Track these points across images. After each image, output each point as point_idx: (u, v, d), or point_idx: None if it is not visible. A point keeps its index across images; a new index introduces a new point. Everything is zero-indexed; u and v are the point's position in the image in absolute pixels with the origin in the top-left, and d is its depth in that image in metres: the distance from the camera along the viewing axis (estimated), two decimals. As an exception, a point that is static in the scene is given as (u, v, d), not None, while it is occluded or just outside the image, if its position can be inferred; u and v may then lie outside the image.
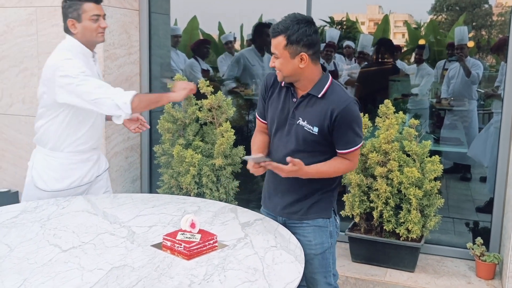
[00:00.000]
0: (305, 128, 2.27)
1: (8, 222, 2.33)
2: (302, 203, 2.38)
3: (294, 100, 2.32)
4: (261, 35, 5.02)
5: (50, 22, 3.89)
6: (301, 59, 2.20)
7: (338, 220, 2.49)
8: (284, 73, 2.25)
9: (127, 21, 4.10)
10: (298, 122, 2.29)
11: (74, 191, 2.84)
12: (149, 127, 3.09)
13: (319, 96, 2.26)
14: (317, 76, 2.28)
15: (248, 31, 5.32)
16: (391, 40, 5.18)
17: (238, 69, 5.11)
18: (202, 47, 5.40)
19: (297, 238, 2.37)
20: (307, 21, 2.20)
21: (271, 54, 2.25)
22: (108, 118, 3.02)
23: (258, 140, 2.49)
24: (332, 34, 5.21)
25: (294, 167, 2.17)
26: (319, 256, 2.40)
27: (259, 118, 2.53)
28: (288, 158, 2.17)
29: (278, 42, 2.19)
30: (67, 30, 2.72)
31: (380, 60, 5.22)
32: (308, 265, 2.40)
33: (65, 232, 2.22)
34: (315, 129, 2.25)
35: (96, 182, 2.97)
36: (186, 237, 2.04)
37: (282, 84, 2.37)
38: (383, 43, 5.13)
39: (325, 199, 2.40)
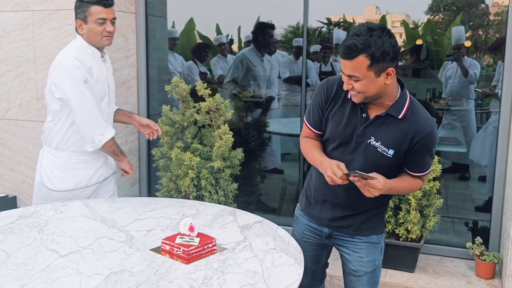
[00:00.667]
0: (378, 149, 2.05)
1: (5, 228, 2.31)
2: (354, 219, 2.22)
3: (364, 115, 2.07)
4: (262, 35, 5.00)
5: (47, 26, 3.88)
6: (387, 74, 1.93)
7: (384, 234, 2.34)
8: (368, 94, 1.97)
9: (124, 24, 4.09)
10: (369, 141, 2.06)
11: (81, 192, 2.84)
12: (161, 132, 3.11)
13: (399, 117, 2.03)
14: (396, 91, 2.04)
15: (245, 33, 5.32)
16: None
17: (242, 70, 5.09)
18: (201, 51, 5.40)
19: (345, 253, 2.30)
20: (385, 30, 1.91)
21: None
22: (117, 120, 3.05)
23: (316, 145, 2.23)
24: (340, 35, 5.20)
25: (381, 181, 1.95)
26: (370, 274, 2.26)
27: (311, 127, 2.24)
28: (374, 174, 1.96)
29: (359, 64, 1.89)
30: (76, 30, 2.76)
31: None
32: (356, 280, 2.28)
33: (63, 237, 2.21)
34: (390, 152, 2.03)
35: (104, 184, 2.97)
36: (185, 241, 2.03)
37: (348, 96, 2.10)
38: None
39: (379, 214, 2.25)
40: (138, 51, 4.27)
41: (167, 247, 2.03)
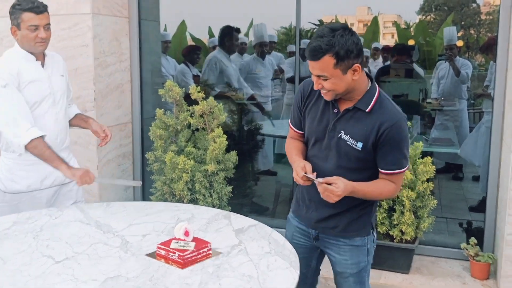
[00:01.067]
0: (348, 142, 2.10)
1: (1, 233, 2.31)
2: (339, 219, 2.23)
3: (335, 111, 2.14)
4: (229, 37, 5.05)
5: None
6: (353, 70, 2.01)
7: (375, 234, 2.34)
8: (338, 91, 2.05)
9: (117, 29, 4.09)
10: (339, 135, 2.12)
11: (36, 194, 2.82)
12: (109, 138, 2.94)
13: (367, 110, 2.09)
14: (365, 85, 2.11)
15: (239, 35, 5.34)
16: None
17: (216, 71, 5.11)
18: (192, 53, 5.41)
19: (331, 255, 2.33)
20: (347, 29, 1.99)
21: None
22: (74, 124, 3.03)
23: (296, 146, 2.31)
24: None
25: (340, 187, 1.98)
26: (355, 275, 2.30)
27: (293, 127, 2.34)
28: (335, 178, 2.01)
29: (325, 63, 1.97)
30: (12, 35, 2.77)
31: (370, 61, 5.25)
32: (343, 282, 2.33)
33: (58, 242, 2.21)
34: (359, 145, 2.08)
35: (65, 189, 2.94)
36: (180, 246, 2.03)
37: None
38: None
39: (364, 216, 2.25)
40: (132, 55, 4.27)
41: (163, 252, 2.03)
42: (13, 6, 2.71)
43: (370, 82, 2.14)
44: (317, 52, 1.97)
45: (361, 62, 2.02)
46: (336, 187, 1.99)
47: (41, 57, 2.80)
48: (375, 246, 2.36)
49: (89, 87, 3.84)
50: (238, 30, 5.11)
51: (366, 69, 2.49)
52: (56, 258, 2.04)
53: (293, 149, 2.29)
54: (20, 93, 2.68)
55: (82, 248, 2.15)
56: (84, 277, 1.88)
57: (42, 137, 2.67)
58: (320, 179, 2.03)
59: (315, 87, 2.08)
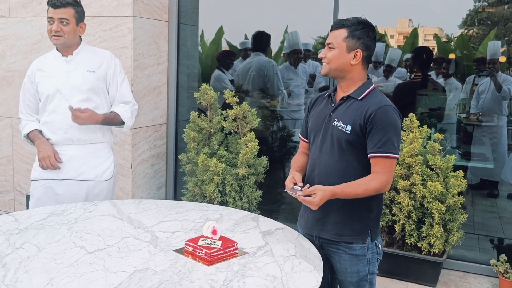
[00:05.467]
0: (339, 127, 2.23)
1: (38, 224, 2.41)
2: (334, 219, 2.28)
3: (333, 105, 2.31)
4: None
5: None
6: (354, 55, 2.21)
7: (380, 245, 2.35)
8: (332, 65, 2.24)
9: (156, 32, 4.20)
10: (333, 123, 2.25)
11: (39, 184, 2.96)
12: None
13: (359, 98, 2.24)
14: (361, 80, 2.28)
15: (275, 42, 5.39)
16: (429, 49, 5.10)
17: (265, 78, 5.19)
18: (226, 58, 5.44)
19: (334, 264, 2.37)
20: (371, 26, 2.26)
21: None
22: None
23: (297, 159, 2.47)
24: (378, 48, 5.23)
25: (317, 196, 2.09)
26: (355, 284, 2.32)
27: (302, 137, 2.51)
28: (313, 188, 2.12)
29: (339, 33, 2.22)
30: None
31: (410, 73, 5.21)
32: None
33: (91, 235, 2.28)
34: (348, 128, 2.20)
35: (94, 192, 3.01)
36: (208, 243, 2.08)
37: (326, 95, 2.38)
38: (421, 52, 5.04)
39: (360, 220, 2.27)
40: (169, 58, 4.37)
41: (190, 249, 2.08)
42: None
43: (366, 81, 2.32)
44: (338, 23, 2.24)
45: (365, 56, 2.23)
46: (313, 197, 2.11)
47: (67, 52, 2.92)
48: (380, 258, 2.36)
49: (127, 88, 3.95)
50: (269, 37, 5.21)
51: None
52: (88, 249, 2.12)
53: (293, 164, 2.44)
54: (29, 89, 2.95)
55: (114, 241, 2.22)
56: (114, 268, 1.94)
57: (37, 130, 2.94)
58: (299, 193, 2.15)
59: (319, 55, 2.29)
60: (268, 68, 5.13)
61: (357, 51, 2.21)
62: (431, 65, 4.99)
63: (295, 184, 2.22)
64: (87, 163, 2.98)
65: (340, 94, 2.31)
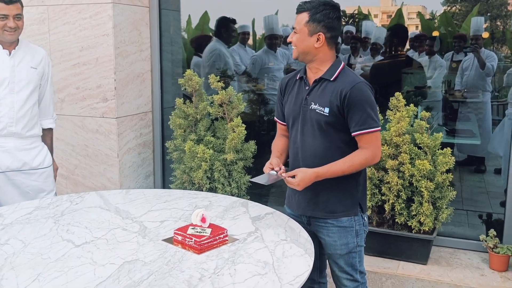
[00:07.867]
0: (317, 111, 2.29)
1: (23, 218, 2.37)
2: (325, 198, 2.35)
3: (307, 88, 2.36)
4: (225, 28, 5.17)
5: (62, 21, 3.93)
6: (317, 39, 2.26)
7: (366, 218, 2.45)
8: (299, 49, 2.31)
9: (137, 18, 4.13)
10: (310, 107, 2.31)
11: None
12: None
13: (331, 79, 2.29)
14: (330, 60, 2.33)
15: (260, 27, 5.34)
16: (405, 27, 5.08)
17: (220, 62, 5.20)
18: (201, 44, 5.37)
19: (322, 238, 2.41)
20: (333, 6, 2.29)
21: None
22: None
23: (277, 143, 2.54)
24: (367, 28, 5.22)
25: (297, 177, 2.21)
26: (345, 256, 2.39)
27: (278, 120, 2.57)
28: (295, 171, 2.24)
29: (301, 18, 2.28)
30: None
31: (393, 52, 5.18)
32: (334, 264, 2.43)
33: (78, 227, 2.25)
34: (326, 110, 2.26)
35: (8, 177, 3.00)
36: (197, 232, 2.06)
37: (297, 77, 2.43)
38: (396, 31, 5.03)
39: (350, 195, 2.36)
40: (152, 44, 4.30)
41: (179, 238, 2.06)
42: None
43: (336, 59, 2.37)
44: (300, 7, 2.30)
45: (329, 37, 2.28)
46: (294, 180, 2.22)
47: (10, 46, 2.94)
48: (367, 230, 2.45)
49: (109, 77, 3.89)
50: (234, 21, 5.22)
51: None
52: (75, 242, 2.09)
53: (273, 148, 2.52)
54: None
55: (101, 233, 2.20)
56: (102, 260, 1.92)
57: None
58: (283, 174, 2.26)
59: (288, 40, 2.34)
60: (215, 54, 5.14)
61: (319, 35, 2.26)
62: (407, 43, 4.99)
63: (272, 169, 2.30)
64: (28, 154, 3.04)
65: (311, 76, 2.37)
